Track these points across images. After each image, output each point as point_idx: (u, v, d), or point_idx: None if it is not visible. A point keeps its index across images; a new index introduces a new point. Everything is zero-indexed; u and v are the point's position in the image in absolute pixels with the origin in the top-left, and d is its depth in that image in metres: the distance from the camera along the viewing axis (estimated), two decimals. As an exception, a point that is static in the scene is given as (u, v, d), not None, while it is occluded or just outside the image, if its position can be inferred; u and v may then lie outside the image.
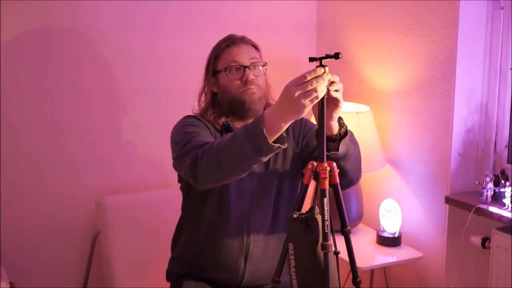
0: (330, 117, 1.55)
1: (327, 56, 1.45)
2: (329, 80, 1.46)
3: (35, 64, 2.46)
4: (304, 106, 1.42)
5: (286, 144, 1.54)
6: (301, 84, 1.41)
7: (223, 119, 1.86)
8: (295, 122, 1.92)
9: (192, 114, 1.94)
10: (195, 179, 1.67)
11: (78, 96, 2.55)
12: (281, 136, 1.52)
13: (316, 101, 1.43)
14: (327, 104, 1.50)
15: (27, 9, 2.41)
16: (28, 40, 2.44)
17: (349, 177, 1.70)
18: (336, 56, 1.44)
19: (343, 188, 1.70)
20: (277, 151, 1.53)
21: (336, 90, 1.49)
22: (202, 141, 1.70)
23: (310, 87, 1.40)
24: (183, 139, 1.75)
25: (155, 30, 2.63)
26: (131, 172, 2.68)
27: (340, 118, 1.61)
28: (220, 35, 1.93)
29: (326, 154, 1.58)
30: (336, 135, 1.60)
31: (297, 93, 1.40)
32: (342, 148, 1.60)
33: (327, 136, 1.59)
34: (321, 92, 1.42)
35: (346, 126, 1.63)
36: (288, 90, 1.43)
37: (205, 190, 1.83)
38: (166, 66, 2.67)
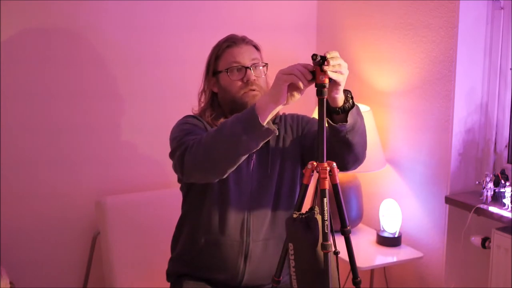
0: (332, 91, 1.55)
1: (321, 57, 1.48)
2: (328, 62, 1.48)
3: (35, 64, 2.46)
4: (281, 83, 1.51)
5: (277, 132, 1.58)
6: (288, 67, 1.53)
7: (221, 120, 1.86)
8: (292, 120, 1.93)
9: (192, 114, 1.94)
10: (182, 169, 1.68)
11: (78, 96, 2.55)
12: (270, 125, 1.56)
13: (290, 81, 1.50)
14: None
15: (27, 9, 2.40)
16: (28, 40, 2.44)
17: (355, 152, 1.69)
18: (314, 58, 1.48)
19: (350, 167, 1.73)
20: (268, 137, 1.57)
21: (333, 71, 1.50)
22: (196, 136, 1.71)
23: (292, 69, 1.50)
24: (179, 136, 1.77)
25: (155, 30, 2.63)
26: (131, 172, 2.68)
27: (348, 92, 1.62)
28: (220, 35, 1.92)
29: (334, 126, 1.60)
30: (339, 108, 1.60)
31: (280, 72, 1.53)
32: (350, 119, 1.60)
33: (331, 108, 1.60)
34: (299, 79, 1.49)
35: (353, 99, 1.63)
36: (277, 74, 1.54)
37: (205, 189, 1.84)
38: (166, 66, 2.67)
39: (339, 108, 1.60)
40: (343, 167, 1.71)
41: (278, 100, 1.54)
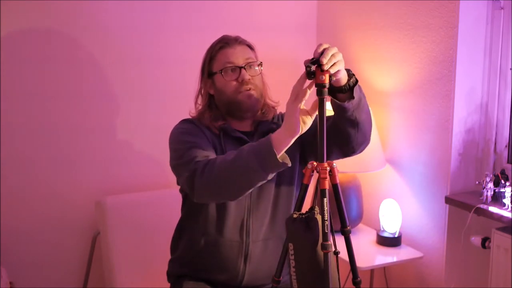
0: (334, 75, 1.56)
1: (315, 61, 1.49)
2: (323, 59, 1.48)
3: (35, 64, 2.46)
4: (294, 111, 1.52)
5: (291, 164, 1.58)
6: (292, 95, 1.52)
7: (220, 122, 1.86)
8: None
9: (189, 117, 1.93)
10: (192, 192, 1.69)
11: (78, 96, 2.55)
12: (285, 156, 1.58)
13: (300, 101, 1.51)
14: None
15: (27, 9, 2.40)
16: (28, 40, 2.44)
17: (363, 130, 1.71)
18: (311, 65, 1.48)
19: (357, 148, 1.74)
20: (282, 169, 1.57)
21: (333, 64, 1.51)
22: (200, 154, 1.71)
23: (293, 91, 1.51)
24: (181, 149, 1.76)
25: (155, 30, 2.63)
26: (131, 172, 2.68)
27: (348, 70, 1.62)
28: (220, 35, 1.92)
29: (341, 105, 1.61)
30: (345, 86, 1.61)
31: (288, 103, 1.53)
32: (355, 94, 1.62)
33: (335, 88, 1.61)
34: (303, 90, 1.50)
35: (354, 75, 1.64)
36: (286, 107, 1.55)
37: None
38: (166, 66, 2.67)
39: (344, 86, 1.61)
40: (351, 150, 1.74)
41: (294, 132, 1.54)
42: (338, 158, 1.80)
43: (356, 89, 1.62)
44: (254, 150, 1.58)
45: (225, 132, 1.85)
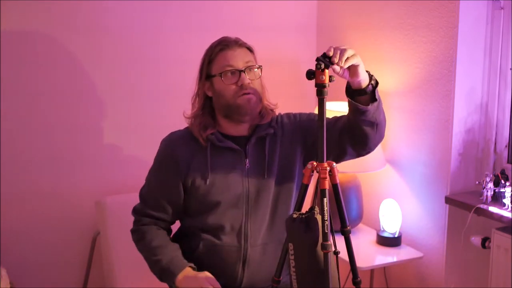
0: (354, 75, 1.59)
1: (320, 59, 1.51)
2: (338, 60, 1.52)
3: (35, 64, 2.46)
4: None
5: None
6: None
7: (209, 131, 1.82)
8: (289, 119, 1.91)
9: (184, 117, 1.91)
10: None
11: (78, 96, 2.56)
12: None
13: None
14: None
15: (27, 9, 2.40)
16: (27, 40, 2.44)
17: (381, 131, 1.73)
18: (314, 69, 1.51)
19: (373, 148, 1.78)
20: None
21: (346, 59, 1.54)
22: (150, 206, 1.89)
23: None
24: (148, 186, 1.93)
25: (155, 30, 2.64)
26: (131, 172, 2.67)
27: (367, 72, 1.65)
28: (220, 35, 1.90)
29: (362, 108, 1.63)
30: (367, 86, 1.63)
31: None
32: (377, 96, 1.64)
33: (356, 91, 1.63)
34: None
35: (374, 76, 1.67)
36: (200, 281, 1.77)
37: (201, 196, 1.83)
38: (166, 66, 2.67)
39: (367, 86, 1.63)
40: (367, 150, 1.76)
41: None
42: (351, 159, 1.82)
43: (377, 90, 1.64)
44: (161, 274, 1.84)
45: (212, 144, 1.82)
